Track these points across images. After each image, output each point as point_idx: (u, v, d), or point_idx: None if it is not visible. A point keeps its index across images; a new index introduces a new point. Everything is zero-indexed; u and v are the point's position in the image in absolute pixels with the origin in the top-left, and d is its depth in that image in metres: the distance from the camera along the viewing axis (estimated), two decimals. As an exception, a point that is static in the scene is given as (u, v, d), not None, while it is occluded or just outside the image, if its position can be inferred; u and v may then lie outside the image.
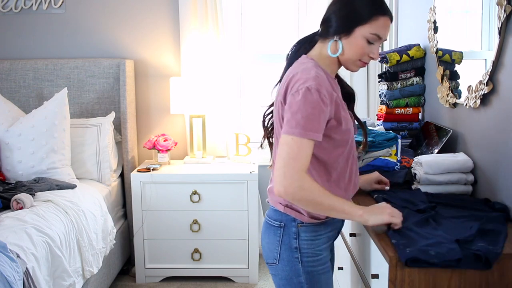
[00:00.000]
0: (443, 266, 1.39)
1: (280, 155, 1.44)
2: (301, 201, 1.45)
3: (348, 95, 1.72)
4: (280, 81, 1.67)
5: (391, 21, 1.55)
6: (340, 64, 1.61)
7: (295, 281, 1.62)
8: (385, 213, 1.50)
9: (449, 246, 1.42)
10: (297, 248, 1.60)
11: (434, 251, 1.40)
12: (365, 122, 2.28)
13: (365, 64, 1.59)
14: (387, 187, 1.94)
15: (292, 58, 1.65)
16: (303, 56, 1.61)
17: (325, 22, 1.58)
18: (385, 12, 1.52)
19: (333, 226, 1.68)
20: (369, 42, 1.52)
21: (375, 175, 1.97)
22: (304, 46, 1.65)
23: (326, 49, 1.58)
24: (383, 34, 1.53)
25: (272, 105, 1.71)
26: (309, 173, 1.50)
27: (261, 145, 1.80)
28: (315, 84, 1.44)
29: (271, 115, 1.73)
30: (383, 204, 1.57)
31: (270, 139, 1.74)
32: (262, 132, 1.79)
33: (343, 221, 1.75)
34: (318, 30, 1.63)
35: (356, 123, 1.77)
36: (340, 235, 2.21)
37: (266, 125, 1.74)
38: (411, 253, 1.40)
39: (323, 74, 1.52)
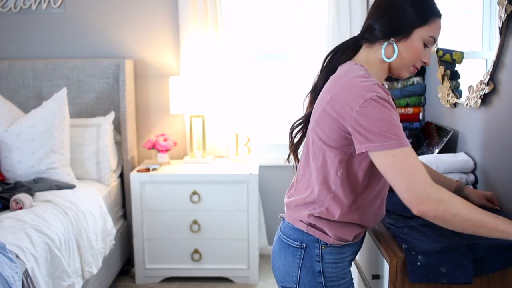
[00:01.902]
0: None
1: (396, 178, 1.27)
2: (445, 216, 1.26)
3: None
4: (312, 90, 1.55)
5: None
6: (388, 71, 1.49)
7: None
8: None
9: (462, 259, 1.38)
10: (321, 272, 1.46)
11: (446, 268, 1.37)
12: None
13: (416, 69, 1.49)
14: (496, 207, 1.73)
15: (330, 66, 1.51)
16: (350, 62, 1.48)
17: (373, 25, 1.45)
18: (440, 14, 1.46)
19: (355, 247, 1.55)
20: (425, 46, 1.43)
21: (489, 193, 1.76)
22: (345, 52, 1.51)
23: (375, 54, 1.46)
24: (438, 37, 1.46)
25: (302, 117, 1.59)
26: (336, 191, 1.42)
27: (287, 159, 1.63)
28: (380, 91, 1.32)
29: (300, 127, 1.59)
30: None
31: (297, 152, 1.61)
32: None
33: (362, 241, 1.60)
34: (359, 35, 1.51)
35: None
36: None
37: (293, 137, 1.60)
38: (422, 274, 1.37)
39: (377, 82, 1.39)
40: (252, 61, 3.50)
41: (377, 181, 1.45)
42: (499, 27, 1.78)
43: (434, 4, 1.44)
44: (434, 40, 1.44)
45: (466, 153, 2.10)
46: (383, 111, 1.29)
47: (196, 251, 3.21)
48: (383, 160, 1.29)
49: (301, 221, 1.48)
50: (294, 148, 1.60)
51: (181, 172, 3.20)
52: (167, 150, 3.36)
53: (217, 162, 3.41)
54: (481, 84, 1.93)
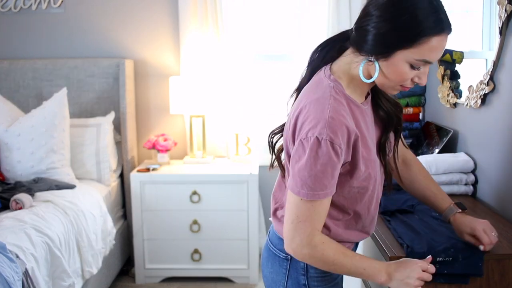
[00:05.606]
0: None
1: (289, 215, 1.28)
2: (312, 264, 1.33)
3: (387, 117, 1.40)
4: (297, 89, 1.41)
5: (450, 33, 1.24)
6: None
7: None
8: (411, 279, 1.25)
9: (463, 257, 1.40)
10: (306, 285, 1.41)
11: (448, 270, 1.39)
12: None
13: (407, 88, 1.29)
14: (482, 247, 1.42)
15: (315, 66, 1.37)
16: (326, 71, 1.32)
17: (364, 31, 1.24)
18: (443, 29, 1.22)
19: None
20: (415, 68, 1.23)
21: (480, 225, 1.45)
22: (332, 49, 1.34)
23: (357, 64, 1.28)
24: (434, 58, 1.22)
25: (280, 125, 1.47)
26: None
27: (271, 165, 1.51)
28: (327, 132, 1.20)
29: (279, 135, 1.48)
30: (413, 264, 1.28)
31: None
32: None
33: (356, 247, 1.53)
34: (350, 31, 1.31)
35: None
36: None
37: (273, 145, 1.49)
38: None
39: (341, 106, 1.25)
40: (252, 61, 3.49)
41: (353, 202, 1.35)
42: (499, 27, 1.78)
43: (431, 20, 1.19)
44: (427, 62, 1.22)
45: (466, 153, 2.10)
46: (314, 158, 1.22)
47: (196, 251, 3.21)
48: (290, 197, 1.28)
49: None
50: (277, 155, 1.49)
51: (181, 172, 3.20)
52: (167, 150, 3.36)
53: (217, 162, 3.41)
54: (481, 84, 1.93)
